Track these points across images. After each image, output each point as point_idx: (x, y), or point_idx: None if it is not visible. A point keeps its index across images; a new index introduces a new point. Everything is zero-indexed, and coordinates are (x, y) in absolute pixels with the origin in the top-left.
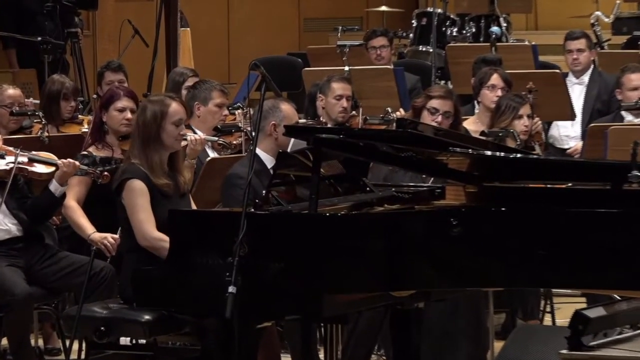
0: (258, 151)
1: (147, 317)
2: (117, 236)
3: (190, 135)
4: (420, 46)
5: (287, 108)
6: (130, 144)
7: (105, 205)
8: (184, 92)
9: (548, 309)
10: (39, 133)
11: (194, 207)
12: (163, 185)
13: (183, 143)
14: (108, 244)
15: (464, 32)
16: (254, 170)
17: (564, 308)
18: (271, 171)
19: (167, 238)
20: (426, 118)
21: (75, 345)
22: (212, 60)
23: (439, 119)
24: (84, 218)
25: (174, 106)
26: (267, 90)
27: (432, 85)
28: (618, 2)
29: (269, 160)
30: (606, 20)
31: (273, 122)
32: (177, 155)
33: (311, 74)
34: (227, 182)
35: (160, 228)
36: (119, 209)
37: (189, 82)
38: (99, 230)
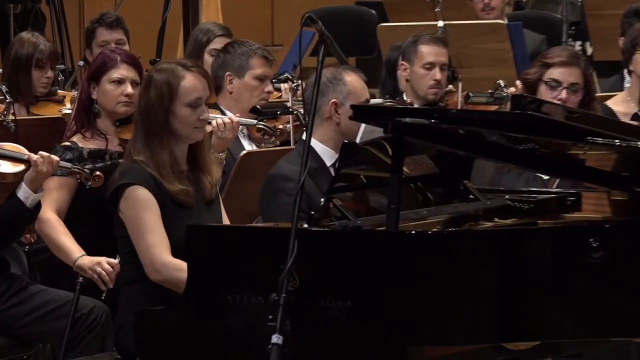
0: (313, 142)
1: None
2: (115, 261)
3: (216, 118)
4: None
5: (354, 80)
6: (133, 134)
7: (97, 217)
8: (208, 58)
9: None
10: (3, 116)
11: (226, 220)
12: (179, 192)
13: (207, 128)
14: (102, 271)
15: None
16: (308, 168)
17: None
18: (332, 170)
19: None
20: (544, 94)
21: None
22: (250, 14)
23: (563, 94)
24: (67, 236)
25: (189, 79)
26: (327, 55)
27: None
28: None
29: (328, 155)
30: None
31: (334, 100)
32: (199, 147)
33: (390, 32)
34: (269, 185)
35: (177, 252)
36: (117, 225)
37: (217, 43)
38: (89, 252)
